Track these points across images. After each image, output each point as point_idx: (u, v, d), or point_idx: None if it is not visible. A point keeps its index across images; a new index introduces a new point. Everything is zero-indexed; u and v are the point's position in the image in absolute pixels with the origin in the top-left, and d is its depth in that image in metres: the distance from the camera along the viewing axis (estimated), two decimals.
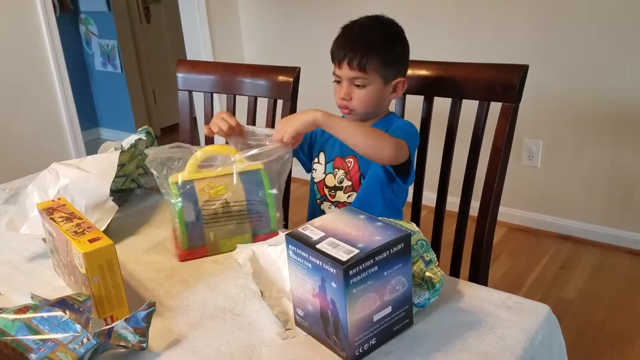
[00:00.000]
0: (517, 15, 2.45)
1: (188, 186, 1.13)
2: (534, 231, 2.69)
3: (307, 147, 1.43)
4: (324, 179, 1.38)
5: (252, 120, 1.67)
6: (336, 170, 1.37)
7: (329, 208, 1.39)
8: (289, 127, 1.13)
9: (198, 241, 1.13)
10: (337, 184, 1.35)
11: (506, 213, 2.65)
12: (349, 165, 1.34)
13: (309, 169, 1.45)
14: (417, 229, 0.95)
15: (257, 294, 0.99)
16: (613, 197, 2.47)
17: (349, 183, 1.34)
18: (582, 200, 2.54)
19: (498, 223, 1.37)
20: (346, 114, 1.30)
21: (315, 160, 1.41)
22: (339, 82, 1.29)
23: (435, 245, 1.43)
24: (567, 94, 2.43)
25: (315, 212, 1.42)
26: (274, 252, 1.02)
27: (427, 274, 0.92)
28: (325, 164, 1.39)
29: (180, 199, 1.12)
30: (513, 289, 2.24)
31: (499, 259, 2.47)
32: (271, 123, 1.62)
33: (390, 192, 1.33)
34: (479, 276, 1.34)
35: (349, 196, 1.34)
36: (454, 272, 1.39)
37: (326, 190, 1.37)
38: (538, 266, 2.42)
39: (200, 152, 1.16)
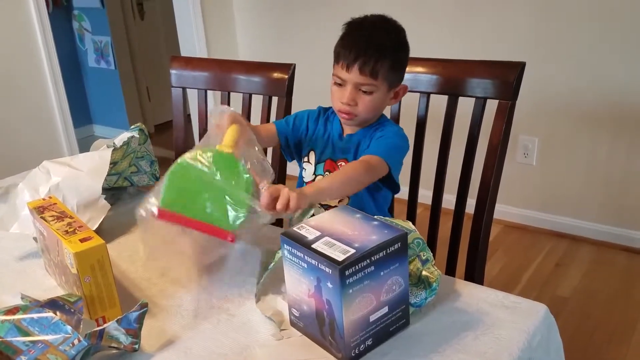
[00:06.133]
0: (515, 12, 2.44)
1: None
2: (530, 229, 2.69)
3: (294, 145, 1.35)
4: (313, 179, 1.32)
5: (246, 118, 1.65)
6: (327, 173, 1.30)
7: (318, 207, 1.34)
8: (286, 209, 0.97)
9: None
10: None
11: (502, 210, 2.65)
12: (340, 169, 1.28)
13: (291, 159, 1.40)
14: (413, 227, 0.94)
15: (252, 293, 0.98)
16: (609, 194, 2.47)
17: None
18: (578, 198, 2.54)
19: (494, 220, 1.36)
20: (346, 119, 1.23)
21: (305, 159, 1.34)
22: (340, 84, 1.20)
23: (431, 243, 1.42)
24: (563, 91, 2.43)
25: None
26: None
27: (424, 273, 0.91)
28: (316, 164, 1.33)
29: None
30: (508, 286, 2.24)
31: (494, 256, 2.46)
32: (266, 120, 1.61)
33: (380, 198, 1.30)
34: (474, 274, 1.34)
35: (339, 201, 1.30)
36: (450, 269, 1.38)
37: None
38: (533, 264, 2.41)
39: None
